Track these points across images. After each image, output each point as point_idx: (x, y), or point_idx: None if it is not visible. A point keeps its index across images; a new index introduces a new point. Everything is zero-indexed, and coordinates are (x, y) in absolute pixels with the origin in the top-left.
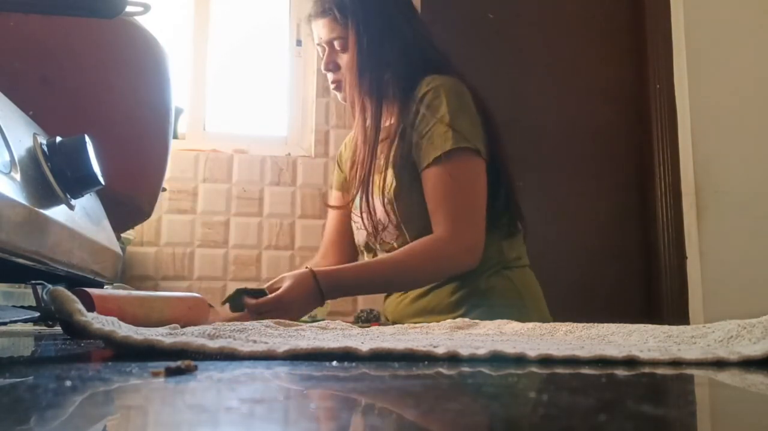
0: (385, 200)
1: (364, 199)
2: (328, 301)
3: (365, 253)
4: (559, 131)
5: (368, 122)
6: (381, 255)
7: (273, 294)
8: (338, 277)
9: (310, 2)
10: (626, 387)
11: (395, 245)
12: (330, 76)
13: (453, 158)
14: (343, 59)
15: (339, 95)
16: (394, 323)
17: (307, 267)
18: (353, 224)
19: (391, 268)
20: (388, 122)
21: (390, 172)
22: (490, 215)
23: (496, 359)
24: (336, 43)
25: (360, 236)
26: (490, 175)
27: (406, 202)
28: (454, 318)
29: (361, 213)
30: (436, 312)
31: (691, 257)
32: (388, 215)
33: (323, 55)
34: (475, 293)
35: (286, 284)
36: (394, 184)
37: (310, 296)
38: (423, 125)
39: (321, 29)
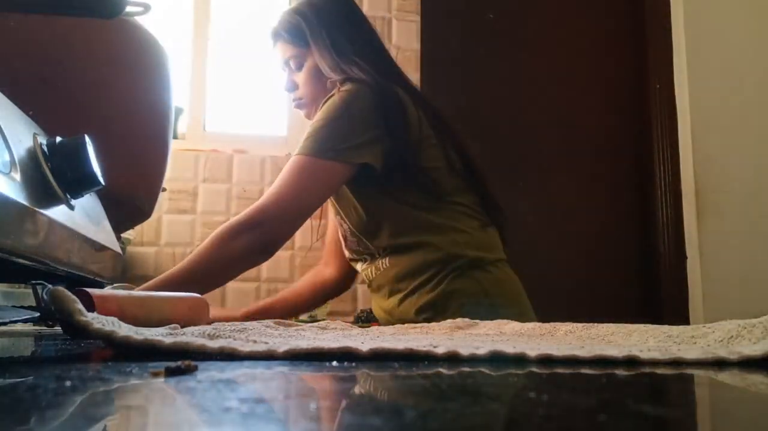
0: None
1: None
2: (329, 301)
3: (355, 263)
4: (559, 131)
5: None
6: (362, 266)
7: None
8: None
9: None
10: (626, 387)
11: (361, 249)
12: (292, 95)
13: (299, 161)
14: (300, 76)
15: (303, 112)
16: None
17: None
18: None
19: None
20: None
21: None
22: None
23: (496, 359)
24: (291, 63)
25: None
26: (397, 180)
27: (342, 205)
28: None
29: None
30: (407, 320)
31: (691, 257)
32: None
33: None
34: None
35: None
36: None
37: None
38: None
39: (278, 53)
